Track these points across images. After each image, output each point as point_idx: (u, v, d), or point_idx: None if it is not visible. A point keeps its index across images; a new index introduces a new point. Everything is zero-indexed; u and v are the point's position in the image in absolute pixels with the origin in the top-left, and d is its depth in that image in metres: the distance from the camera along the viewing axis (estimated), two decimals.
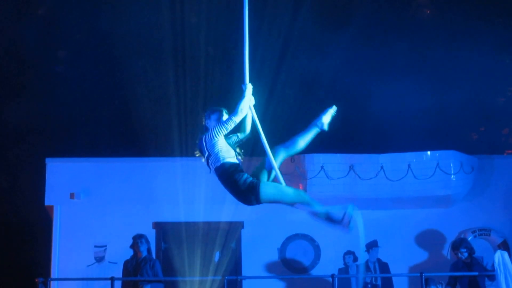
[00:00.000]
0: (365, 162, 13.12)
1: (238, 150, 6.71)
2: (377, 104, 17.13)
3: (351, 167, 13.05)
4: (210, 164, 6.58)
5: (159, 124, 16.29)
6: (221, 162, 6.48)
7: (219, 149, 6.49)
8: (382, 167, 13.05)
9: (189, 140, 14.71)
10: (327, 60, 16.80)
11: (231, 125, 6.49)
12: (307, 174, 12.89)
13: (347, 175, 13.01)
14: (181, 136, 15.06)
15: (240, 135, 6.76)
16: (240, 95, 6.62)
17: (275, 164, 6.50)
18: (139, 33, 17.05)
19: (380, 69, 17.46)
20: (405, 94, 17.26)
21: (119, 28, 16.98)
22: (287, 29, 16.17)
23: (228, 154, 6.53)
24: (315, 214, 6.48)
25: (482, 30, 17.26)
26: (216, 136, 6.47)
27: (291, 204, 6.47)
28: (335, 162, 13.08)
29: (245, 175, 6.43)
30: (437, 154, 13.15)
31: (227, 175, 6.45)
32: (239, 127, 6.72)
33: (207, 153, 6.55)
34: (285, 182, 6.55)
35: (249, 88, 6.61)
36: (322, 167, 12.96)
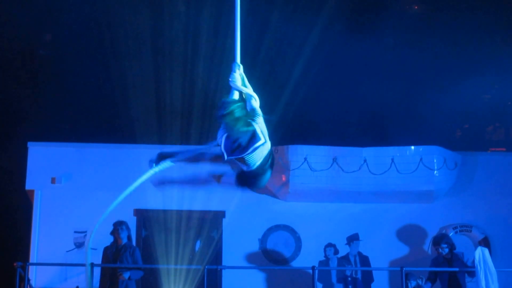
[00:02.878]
0: (349, 155, 13.10)
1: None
2: (361, 98, 17.11)
3: (335, 160, 13.02)
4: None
5: (142, 111, 16.19)
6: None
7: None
8: (365, 161, 13.04)
9: (171, 128, 14.64)
10: (313, 53, 16.73)
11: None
12: (290, 165, 12.85)
13: (330, 168, 12.99)
14: (164, 124, 14.98)
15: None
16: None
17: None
18: (125, 19, 16.93)
19: (365, 62, 17.43)
20: (390, 88, 17.25)
21: (105, 13, 16.85)
22: (269, 23, 16.13)
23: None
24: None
25: (467, 26, 17.26)
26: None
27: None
28: (318, 154, 13.05)
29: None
30: (421, 149, 13.15)
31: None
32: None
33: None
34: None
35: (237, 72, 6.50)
36: (305, 159, 12.93)
